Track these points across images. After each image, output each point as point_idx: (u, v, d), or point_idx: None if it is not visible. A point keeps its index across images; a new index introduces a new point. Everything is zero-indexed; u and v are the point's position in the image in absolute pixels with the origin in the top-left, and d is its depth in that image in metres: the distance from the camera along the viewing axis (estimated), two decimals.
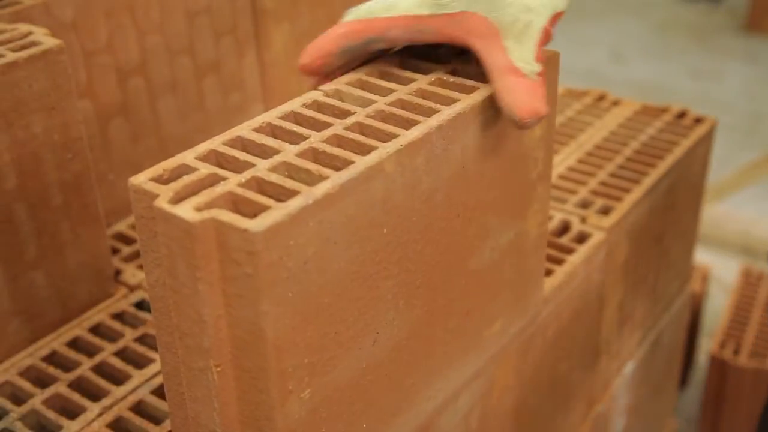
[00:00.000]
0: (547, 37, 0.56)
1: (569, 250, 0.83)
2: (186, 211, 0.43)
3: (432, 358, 0.59)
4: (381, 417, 0.56)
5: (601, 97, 1.15)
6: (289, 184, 0.45)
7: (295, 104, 0.54)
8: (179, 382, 0.50)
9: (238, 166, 0.48)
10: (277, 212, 0.43)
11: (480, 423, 0.70)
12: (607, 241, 0.85)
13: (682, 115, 1.10)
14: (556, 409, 0.86)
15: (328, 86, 0.55)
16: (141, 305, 0.79)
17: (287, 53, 1.04)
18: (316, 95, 0.54)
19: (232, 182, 0.46)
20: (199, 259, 0.43)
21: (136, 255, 0.86)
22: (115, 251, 0.85)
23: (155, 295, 0.48)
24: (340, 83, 0.56)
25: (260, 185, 0.46)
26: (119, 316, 0.77)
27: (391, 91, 0.55)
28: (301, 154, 0.48)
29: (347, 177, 0.46)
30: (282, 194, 0.45)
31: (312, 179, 0.46)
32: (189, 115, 0.95)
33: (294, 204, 0.44)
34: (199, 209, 0.43)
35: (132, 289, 0.81)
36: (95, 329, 0.76)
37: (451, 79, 0.56)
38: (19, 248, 0.71)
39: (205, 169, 0.46)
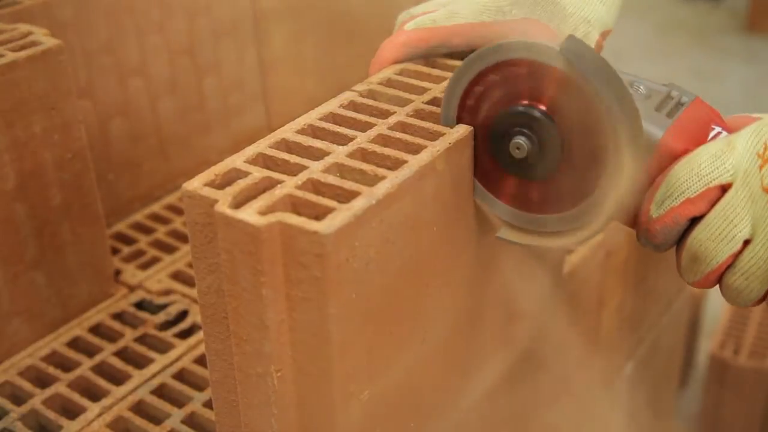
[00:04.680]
0: (599, 50, 0.57)
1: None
2: (250, 215, 0.42)
3: (472, 355, 0.60)
4: (427, 415, 0.56)
5: None
6: (348, 185, 0.45)
7: (332, 105, 0.53)
8: (230, 390, 0.50)
9: (289, 169, 0.47)
10: (343, 213, 0.43)
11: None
12: (606, 241, 0.85)
13: None
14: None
15: (361, 86, 0.56)
16: (141, 305, 0.79)
17: (287, 53, 1.04)
18: (350, 95, 0.55)
19: (290, 185, 0.45)
20: (264, 263, 0.43)
21: (136, 255, 0.86)
22: (115, 251, 0.85)
23: (207, 302, 0.48)
24: (372, 83, 0.56)
25: (316, 187, 0.46)
26: (119, 316, 0.77)
27: (425, 89, 0.55)
28: (351, 155, 0.48)
29: (404, 176, 0.46)
30: (340, 195, 0.45)
31: (367, 179, 0.46)
32: (189, 115, 0.95)
33: (358, 204, 0.43)
34: (262, 213, 0.43)
35: (132, 289, 0.81)
36: (95, 329, 0.76)
37: None
38: (19, 248, 0.71)
39: (258, 173, 0.46)
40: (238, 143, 0.96)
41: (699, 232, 0.46)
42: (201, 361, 0.71)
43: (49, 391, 0.68)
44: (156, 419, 0.67)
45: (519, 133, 0.49)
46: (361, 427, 0.49)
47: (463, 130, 0.51)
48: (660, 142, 0.48)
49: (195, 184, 0.46)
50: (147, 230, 0.90)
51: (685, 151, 0.47)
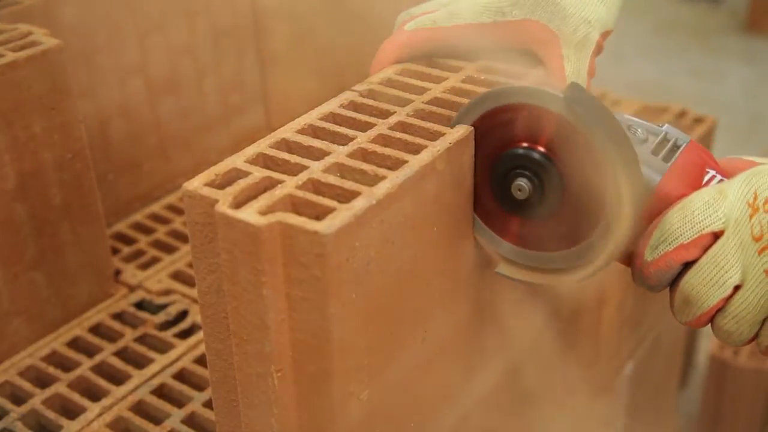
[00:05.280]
0: (599, 50, 0.58)
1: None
2: (251, 215, 0.43)
3: (472, 355, 0.60)
4: (426, 414, 0.56)
5: (601, 97, 1.15)
6: (348, 185, 0.45)
7: (332, 105, 0.54)
8: (230, 390, 0.50)
9: (289, 169, 0.47)
10: (343, 213, 0.43)
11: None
12: None
13: (682, 114, 1.10)
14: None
15: (360, 86, 0.56)
16: (141, 305, 0.79)
17: (287, 53, 1.04)
18: (350, 95, 0.55)
19: (290, 185, 0.45)
20: (264, 263, 0.43)
21: (136, 255, 0.86)
22: (115, 251, 0.85)
23: (207, 302, 0.48)
24: (373, 83, 0.56)
25: (317, 187, 0.46)
26: (119, 316, 0.77)
27: (425, 89, 0.55)
28: (351, 155, 0.48)
29: (404, 176, 0.46)
30: (340, 195, 0.45)
31: (367, 179, 0.46)
32: (189, 115, 0.95)
33: (358, 205, 0.43)
34: (263, 213, 0.43)
35: (132, 289, 0.81)
36: (95, 329, 0.76)
37: (482, 76, 0.57)
38: (19, 248, 0.71)
39: (259, 173, 0.46)
40: (238, 143, 0.96)
41: (691, 277, 0.48)
42: (201, 361, 0.71)
43: (49, 391, 0.68)
44: (156, 419, 0.67)
45: (521, 175, 0.51)
46: (361, 427, 0.49)
47: (463, 130, 0.51)
48: (657, 187, 0.49)
49: (195, 184, 0.46)
50: (147, 230, 0.90)
51: (681, 196, 0.49)
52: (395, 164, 0.48)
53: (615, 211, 0.48)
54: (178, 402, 0.68)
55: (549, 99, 0.48)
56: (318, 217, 0.43)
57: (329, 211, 0.43)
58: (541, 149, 0.50)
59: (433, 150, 0.49)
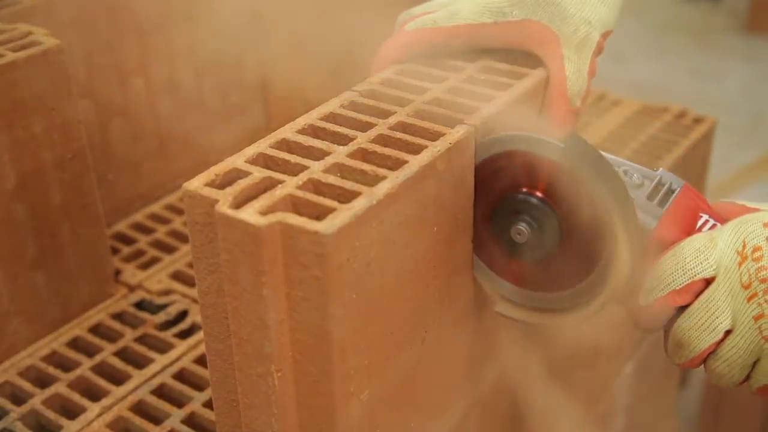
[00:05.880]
0: (599, 50, 0.59)
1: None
2: (251, 215, 0.43)
3: (473, 355, 0.60)
4: (426, 415, 0.56)
5: (601, 97, 1.15)
6: (348, 185, 0.46)
7: (332, 105, 0.54)
8: (230, 390, 0.50)
9: (289, 169, 0.47)
10: (344, 213, 0.43)
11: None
12: None
13: (682, 115, 1.10)
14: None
15: (361, 86, 0.56)
16: (141, 305, 0.79)
17: (287, 53, 1.04)
18: (351, 95, 0.55)
19: (290, 185, 0.45)
20: (265, 263, 0.43)
21: (136, 255, 0.86)
22: (115, 251, 0.85)
23: (207, 302, 0.48)
24: (373, 83, 0.56)
25: (317, 187, 0.46)
26: (119, 316, 0.77)
27: (426, 89, 0.55)
28: (351, 155, 0.48)
29: (404, 176, 0.46)
30: (341, 195, 0.45)
31: (367, 179, 0.46)
32: (189, 115, 0.95)
33: (359, 205, 0.44)
34: (263, 213, 0.43)
35: (132, 289, 0.81)
36: (95, 329, 0.76)
37: (483, 76, 0.57)
38: (19, 248, 0.71)
39: (259, 173, 0.46)
40: (238, 143, 0.96)
41: (683, 321, 0.49)
42: (201, 361, 0.71)
43: (49, 391, 0.68)
44: (156, 419, 0.67)
45: (520, 220, 0.52)
46: (361, 427, 0.49)
47: (463, 130, 0.51)
48: (653, 232, 0.51)
49: (195, 184, 0.46)
50: (147, 230, 0.90)
51: (676, 241, 0.50)
52: (395, 164, 0.48)
53: (612, 256, 0.50)
54: (178, 402, 0.68)
55: (548, 148, 0.50)
56: (318, 217, 0.43)
57: (329, 211, 0.43)
58: (541, 195, 0.52)
59: (433, 150, 0.49)
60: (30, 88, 0.68)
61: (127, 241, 0.88)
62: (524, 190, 0.52)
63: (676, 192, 0.53)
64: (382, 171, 0.47)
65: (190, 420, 0.66)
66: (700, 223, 0.52)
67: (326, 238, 0.42)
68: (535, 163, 0.51)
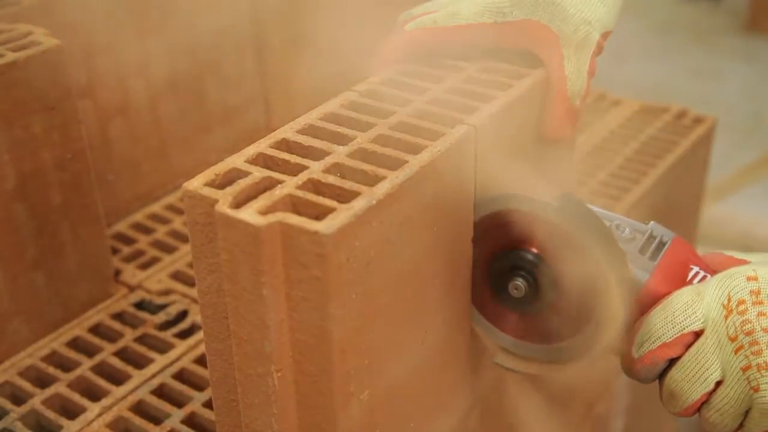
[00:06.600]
0: (599, 50, 0.59)
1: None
2: (251, 215, 0.43)
3: (472, 355, 0.60)
4: (426, 415, 0.56)
5: (601, 97, 1.15)
6: (348, 185, 0.46)
7: (332, 105, 0.54)
8: (230, 390, 0.50)
9: (289, 169, 0.47)
10: (343, 213, 0.43)
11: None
12: None
13: (682, 115, 1.10)
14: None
15: (361, 86, 0.56)
16: (141, 305, 0.79)
17: (287, 53, 1.04)
18: (351, 95, 0.55)
19: (290, 185, 0.45)
20: (265, 263, 0.43)
21: (136, 255, 0.86)
22: (115, 251, 0.85)
23: (207, 302, 0.48)
24: (373, 83, 0.56)
25: (317, 187, 0.46)
26: (119, 316, 0.77)
27: (426, 89, 0.55)
28: (351, 155, 0.48)
29: (404, 177, 0.46)
30: (340, 195, 0.45)
31: (368, 179, 0.46)
32: (189, 115, 0.95)
33: (359, 205, 0.44)
34: (263, 213, 0.43)
35: (132, 289, 0.81)
36: (95, 329, 0.76)
37: (483, 76, 0.57)
38: (19, 248, 0.71)
39: (259, 173, 0.46)
40: (238, 143, 0.96)
41: (675, 373, 0.51)
42: (201, 361, 0.71)
43: (49, 391, 0.68)
44: (156, 419, 0.67)
45: (518, 275, 0.54)
46: (361, 427, 0.49)
47: (463, 130, 0.51)
48: (645, 286, 0.52)
49: (195, 184, 0.46)
50: (147, 230, 0.90)
51: (668, 293, 0.52)
52: (395, 164, 0.48)
53: (606, 309, 0.52)
54: (178, 402, 0.68)
55: (543, 207, 0.52)
56: (318, 217, 0.43)
57: (329, 211, 0.43)
58: (536, 252, 0.54)
59: (433, 150, 0.49)
60: (30, 88, 0.68)
61: (127, 241, 0.88)
62: (521, 246, 0.54)
63: (667, 245, 0.54)
64: (382, 171, 0.47)
65: (190, 420, 0.66)
66: (690, 275, 0.53)
67: (326, 238, 0.42)
68: (531, 221, 0.53)
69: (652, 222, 0.55)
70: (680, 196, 1.04)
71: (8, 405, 0.68)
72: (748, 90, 2.97)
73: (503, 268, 0.55)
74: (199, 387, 0.69)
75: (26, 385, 0.69)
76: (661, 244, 0.54)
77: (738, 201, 2.16)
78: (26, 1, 0.77)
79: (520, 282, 0.54)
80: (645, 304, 0.52)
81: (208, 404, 0.67)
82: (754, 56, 3.23)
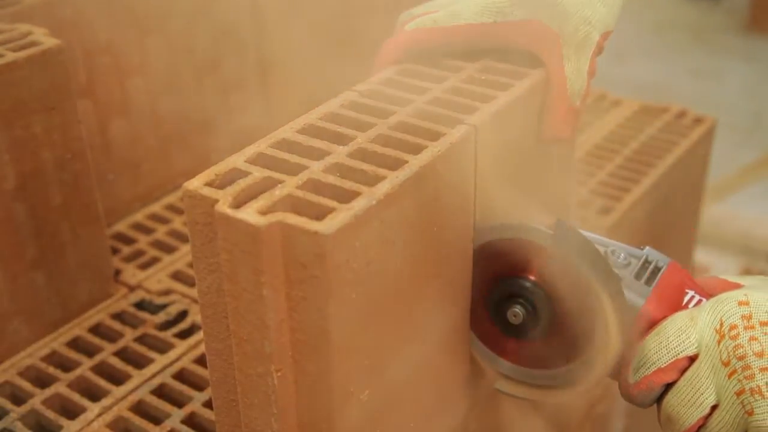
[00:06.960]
0: (599, 50, 0.59)
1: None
2: (251, 215, 0.43)
3: (472, 355, 0.60)
4: (426, 415, 0.56)
5: (601, 97, 1.15)
6: (348, 185, 0.46)
7: (332, 105, 0.54)
8: (230, 389, 0.50)
9: (289, 169, 0.47)
10: (343, 213, 0.43)
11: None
12: None
13: (681, 115, 1.10)
14: None
15: (361, 86, 0.56)
16: (141, 305, 0.79)
17: (287, 53, 1.04)
18: (351, 95, 0.55)
19: (290, 185, 0.45)
20: (265, 263, 0.43)
21: (136, 255, 0.86)
22: (115, 251, 0.85)
23: (207, 302, 0.48)
24: (373, 83, 0.56)
25: (317, 187, 0.46)
26: (119, 316, 0.77)
27: (426, 89, 0.55)
28: (351, 155, 0.48)
29: (404, 177, 0.46)
30: (340, 195, 0.45)
31: (368, 179, 0.46)
32: (189, 115, 0.95)
33: (359, 205, 0.44)
34: (263, 213, 0.43)
35: (132, 289, 0.81)
36: (95, 329, 0.76)
37: (483, 76, 0.57)
38: (19, 248, 0.71)
39: (259, 173, 0.46)
40: (238, 143, 0.96)
41: (671, 398, 0.51)
42: (201, 361, 0.71)
43: (49, 391, 0.68)
44: (156, 419, 0.67)
45: (516, 303, 0.55)
46: (361, 427, 0.49)
47: (463, 130, 0.51)
48: (641, 311, 0.53)
49: (195, 184, 0.46)
50: (147, 230, 0.90)
51: (663, 318, 0.52)
52: (395, 164, 0.48)
53: (602, 336, 0.52)
54: (178, 402, 0.68)
55: (539, 235, 0.53)
56: (318, 217, 0.43)
57: (329, 211, 0.43)
58: (534, 279, 0.55)
59: (433, 150, 0.49)
60: (30, 88, 0.68)
61: (127, 241, 0.88)
62: (519, 274, 0.55)
63: (663, 270, 0.55)
64: (382, 171, 0.47)
65: (190, 420, 0.66)
66: (686, 299, 0.54)
67: (326, 238, 0.42)
68: (528, 249, 0.54)
69: (647, 247, 0.56)
70: (680, 196, 1.04)
71: (8, 405, 0.68)
72: (748, 90, 2.97)
73: (501, 296, 0.56)
74: (199, 387, 0.69)
75: (26, 385, 0.69)
76: (657, 269, 0.55)
77: (738, 201, 2.16)
78: (26, 1, 0.77)
79: (518, 309, 0.55)
80: (641, 329, 0.53)
81: (208, 404, 0.67)
82: (754, 56, 3.23)
